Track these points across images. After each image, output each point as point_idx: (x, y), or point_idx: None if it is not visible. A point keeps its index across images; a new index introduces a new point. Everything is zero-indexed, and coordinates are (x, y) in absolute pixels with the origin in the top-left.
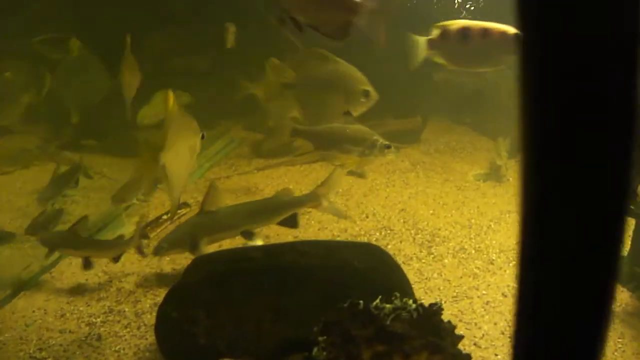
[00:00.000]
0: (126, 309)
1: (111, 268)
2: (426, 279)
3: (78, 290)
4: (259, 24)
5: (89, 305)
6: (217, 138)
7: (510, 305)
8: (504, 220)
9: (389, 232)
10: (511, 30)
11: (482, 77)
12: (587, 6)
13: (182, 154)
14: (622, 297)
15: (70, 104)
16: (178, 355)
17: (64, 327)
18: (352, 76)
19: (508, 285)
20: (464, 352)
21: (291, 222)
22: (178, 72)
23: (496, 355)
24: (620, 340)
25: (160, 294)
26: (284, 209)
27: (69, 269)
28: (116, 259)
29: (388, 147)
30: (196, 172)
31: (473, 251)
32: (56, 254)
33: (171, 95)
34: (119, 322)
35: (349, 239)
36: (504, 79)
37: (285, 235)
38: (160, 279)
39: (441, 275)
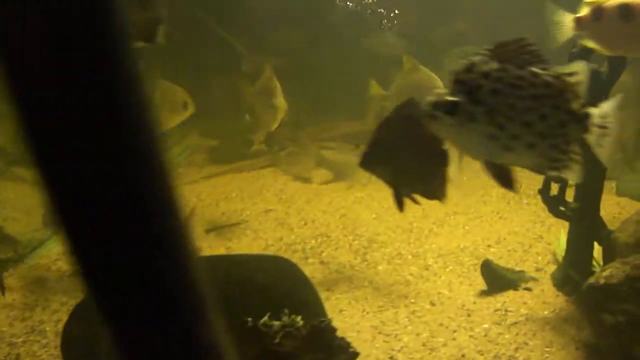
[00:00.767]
0: (47, 329)
1: (39, 287)
2: (355, 287)
3: (3, 312)
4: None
5: (12, 326)
6: (170, 146)
7: (437, 315)
8: (447, 223)
9: (325, 239)
10: None
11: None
12: None
13: None
14: (557, 301)
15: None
16: None
17: None
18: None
19: (439, 293)
20: None
21: None
22: None
23: None
24: (548, 349)
25: None
26: None
27: None
28: None
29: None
30: None
31: (410, 256)
32: None
33: None
34: (38, 342)
35: (283, 247)
36: None
37: (218, 247)
38: None
39: (372, 284)
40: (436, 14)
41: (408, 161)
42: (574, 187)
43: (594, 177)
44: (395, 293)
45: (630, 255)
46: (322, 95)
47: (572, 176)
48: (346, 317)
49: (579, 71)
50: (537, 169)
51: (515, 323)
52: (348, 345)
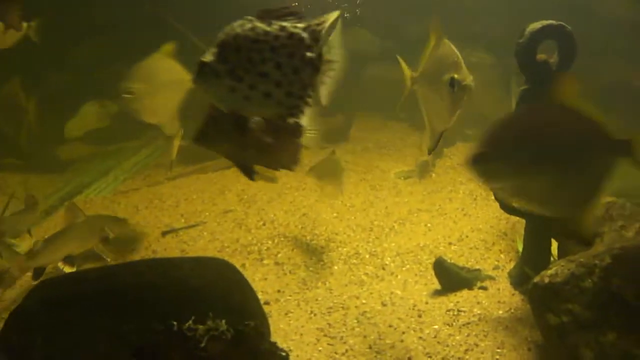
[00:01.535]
0: None
1: None
2: (307, 288)
3: None
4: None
5: None
6: (140, 148)
7: (388, 316)
8: (410, 221)
9: (282, 239)
10: None
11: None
12: None
13: None
14: (513, 301)
15: None
16: None
17: None
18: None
19: (392, 293)
20: None
21: None
22: (105, 82)
23: None
24: (499, 350)
25: None
26: None
27: None
28: None
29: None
30: (108, 186)
31: (367, 256)
32: None
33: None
34: None
35: (239, 249)
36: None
37: (172, 250)
38: None
39: (325, 284)
40: (409, 10)
41: (246, 134)
42: None
43: None
44: (348, 294)
45: (578, 252)
46: None
47: (304, 120)
48: (292, 319)
49: (327, 19)
50: (278, 118)
51: (468, 324)
52: (277, 349)
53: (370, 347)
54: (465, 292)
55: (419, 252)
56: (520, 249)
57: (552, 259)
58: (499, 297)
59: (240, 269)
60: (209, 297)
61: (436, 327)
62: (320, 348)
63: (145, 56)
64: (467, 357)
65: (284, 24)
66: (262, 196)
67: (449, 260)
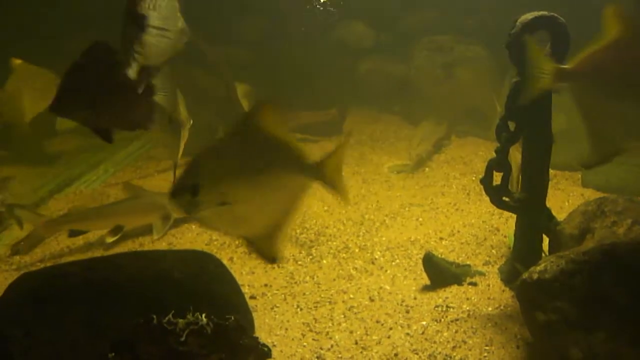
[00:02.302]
0: None
1: None
2: (295, 282)
3: None
4: None
5: None
6: (131, 140)
7: (375, 311)
8: (401, 215)
9: None
10: None
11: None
12: None
13: None
14: (503, 297)
15: None
16: None
17: None
18: None
19: (380, 288)
20: None
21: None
22: None
23: None
24: (487, 347)
25: None
26: None
27: None
28: None
29: None
30: (98, 179)
31: (357, 250)
32: None
33: None
34: None
35: (227, 243)
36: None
37: (159, 243)
38: None
39: (313, 278)
40: (405, 2)
41: (100, 100)
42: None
43: (538, 169)
44: (335, 288)
45: (569, 248)
46: (283, 86)
47: (131, 72)
48: (278, 314)
49: None
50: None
51: (456, 320)
52: (257, 344)
53: (356, 343)
54: (454, 288)
55: (410, 246)
56: (512, 244)
57: (543, 254)
58: (489, 293)
59: (228, 263)
60: (190, 290)
61: (424, 323)
62: (305, 343)
63: None
64: (454, 354)
65: None
66: None
67: (439, 255)
